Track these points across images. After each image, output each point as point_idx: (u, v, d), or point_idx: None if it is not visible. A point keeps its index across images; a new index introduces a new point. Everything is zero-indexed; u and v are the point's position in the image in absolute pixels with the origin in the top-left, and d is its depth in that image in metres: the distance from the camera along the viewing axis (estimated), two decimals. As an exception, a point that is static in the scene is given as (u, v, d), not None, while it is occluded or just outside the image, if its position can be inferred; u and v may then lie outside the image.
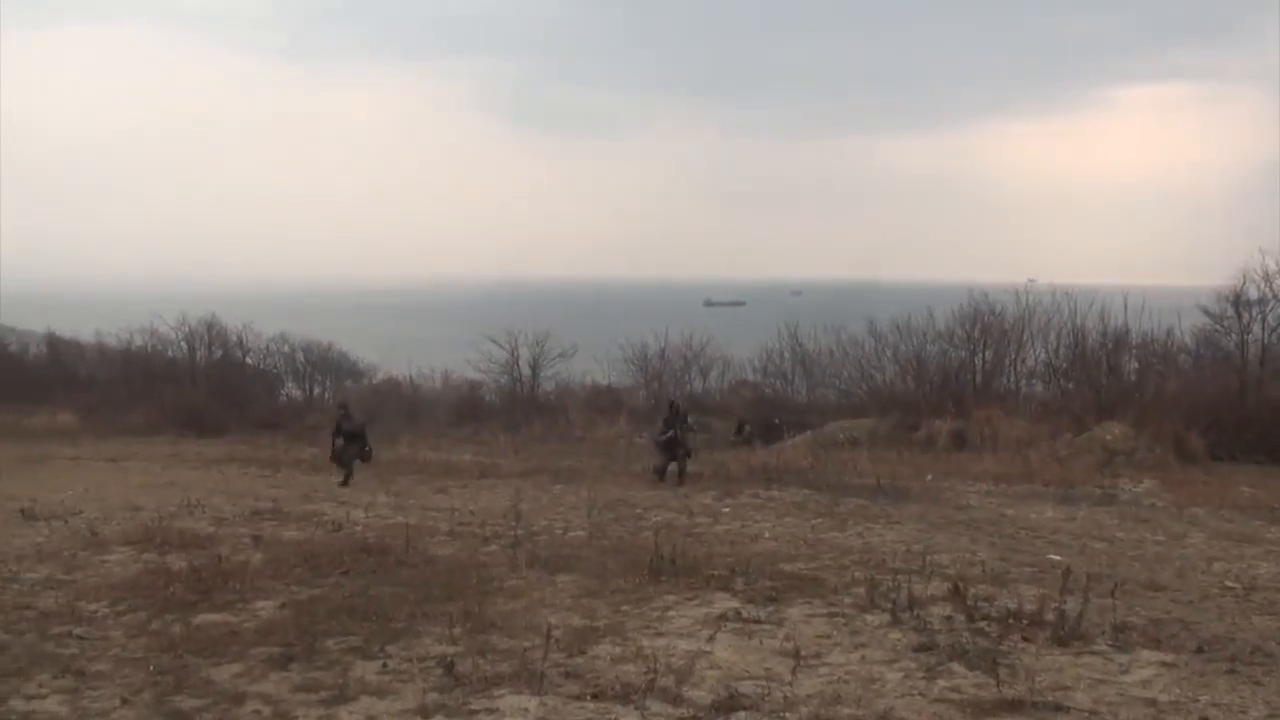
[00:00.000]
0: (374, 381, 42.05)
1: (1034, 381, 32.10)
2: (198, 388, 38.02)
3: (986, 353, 32.03)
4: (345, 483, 18.86)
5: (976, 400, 28.28)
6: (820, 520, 14.80)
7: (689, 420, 19.59)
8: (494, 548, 12.50)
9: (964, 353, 32.11)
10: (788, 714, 6.63)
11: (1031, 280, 31.88)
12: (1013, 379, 32.33)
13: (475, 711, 6.77)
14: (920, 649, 8.01)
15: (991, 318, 32.02)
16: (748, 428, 28.86)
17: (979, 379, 31.53)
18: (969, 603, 9.13)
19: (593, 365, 38.49)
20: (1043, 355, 31.70)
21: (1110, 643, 8.14)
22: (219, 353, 43.43)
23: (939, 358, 32.31)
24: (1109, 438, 22.94)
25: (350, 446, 19.51)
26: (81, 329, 48.29)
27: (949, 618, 8.88)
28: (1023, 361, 32.14)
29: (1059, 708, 6.69)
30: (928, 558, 11.41)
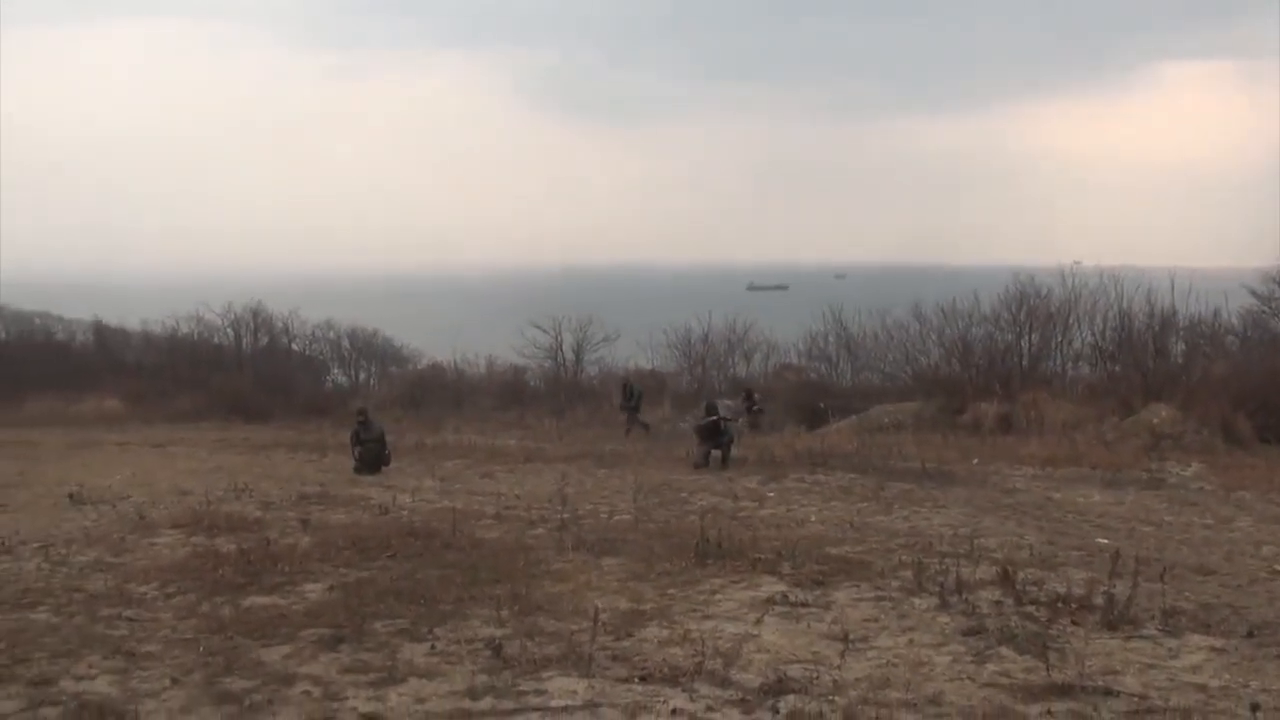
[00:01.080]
0: (418, 367, 42.21)
1: (1080, 364, 31.82)
2: (244, 374, 38.36)
3: (1032, 335, 31.77)
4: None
5: (1022, 383, 28.07)
6: (866, 504, 14.73)
7: (755, 398, 19.69)
8: (540, 531, 12.52)
9: (1010, 335, 31.84)
10: (837, 697, 6.59)
11: (1077, 262, 31.61)
12: (1059, 362, 32.09)
13: (524, 693, 6.77)
14: (969, 633, 7.95)
15: (1037, 300, 31.75)
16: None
17: (1025, 362, 31.28)
18: (1017, 587, 9.05)
19: (636, 350, 38.51)
20: (1089, 338, 31.43)
21: (1160, 627, 8.05)
22: (265, 339, 43.88)
23: (985, 341, 32.04)
24: (1156, 421, 22.71)
25: (370, 453, 19.00)
26: (126, 317, 48.78)
27: (997, 602, 8.81)
28: (1069, 344, 31.89)
29: (1109, 692, 6.62)
30: (975, 541, 11.32)
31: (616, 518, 13.56)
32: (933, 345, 33.12)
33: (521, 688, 6.87)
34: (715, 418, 18.80)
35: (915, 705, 6.48)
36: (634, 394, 26.90)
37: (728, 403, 23.28)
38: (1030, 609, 8.57)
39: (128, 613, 9.07)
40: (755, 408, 26.24)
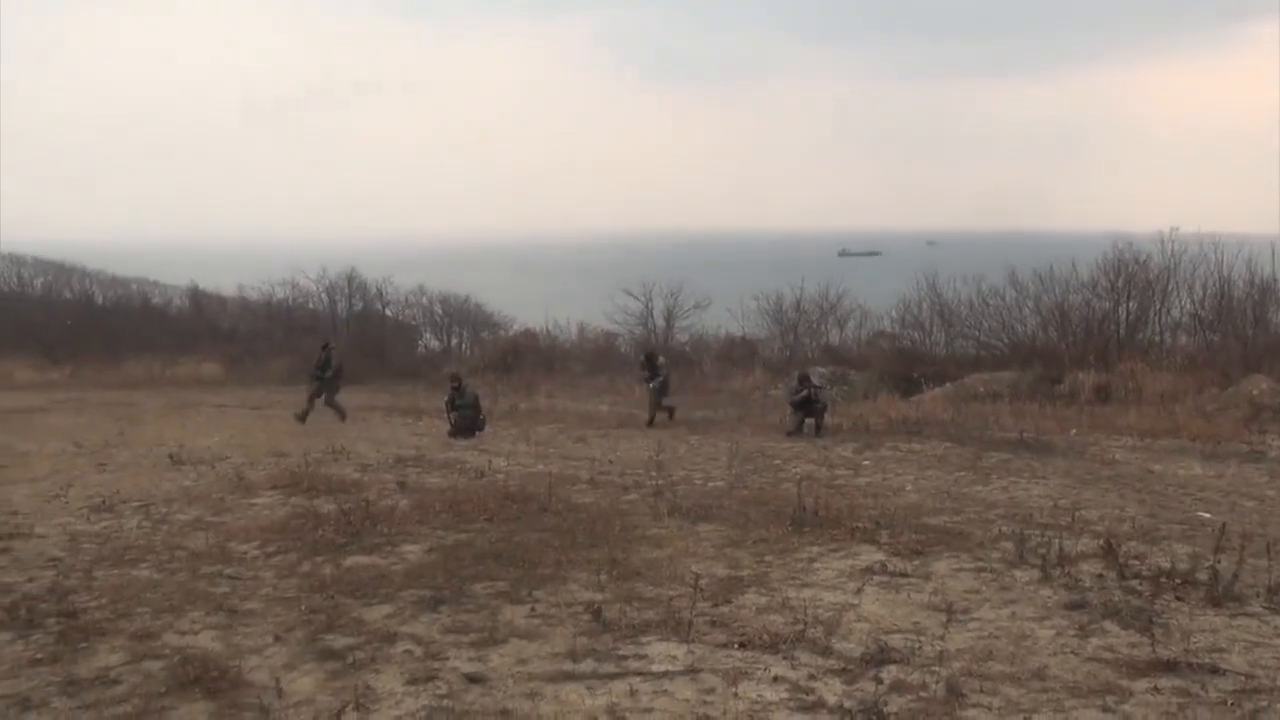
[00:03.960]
0: (510, 333, 42.50)
1: (1179, 333, 31.18)
2: (339, 339, 38.89)
3: (1130, 303, 31.19)
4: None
5: (1120, 352, 27.56)
6: (963, 474, 14.55)
7: (815, 381, 19.35)
8: (634, 496, 12.51)
9: (1107, 303, 31.28)
10: (939, 669, 6.49)
11: (1175, 228, 30.88)
12: (1157, 331, 31.46)
13: (624, 657, 6.76)
14: (1072, 606, 7.78)
15: (1135, 267, 31.14)
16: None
17: (1122, 331, 30.72)
18: (1120, 560, 8.86)
19: (726, 317, 38.44)
20: (1187, 306, 30.80)
21: (1265, 604, 7.80)
22: (359, 305, 44.44)
23: (1082, 309, 31.51)
24: (1256, 392, 22.16)
25: (465, 418, 19.16)
26: (223, 282, 49.68)
27: (1100, 575, 8.61)
28: (1167, 312, 31.28)
29: (1214, 670, 6.43)
30: (1076, 513, 11.13)
31: (711, 484, 13.52)
32: (1029, 313, 32.65)
33: (622, 651, 6.86)
34: (807, 390, 18.67)
35: (1019, 679, 6.36)
36: (658, 369, 21.89)
37: (821, 370, 23.13)
38: (1133, 583, 8.36)
39: (229, 571, 9.21)
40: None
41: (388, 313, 45.08)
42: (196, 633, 7.48)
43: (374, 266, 47.74)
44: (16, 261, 50.92)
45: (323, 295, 44.86)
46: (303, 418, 20.89)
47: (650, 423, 20.94)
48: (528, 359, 36.43)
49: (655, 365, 21.96)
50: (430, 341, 44.82)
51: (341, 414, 21.15)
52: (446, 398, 19.39)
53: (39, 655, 7.05)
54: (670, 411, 21.45)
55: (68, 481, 14.15)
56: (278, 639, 7.26)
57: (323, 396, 21.36)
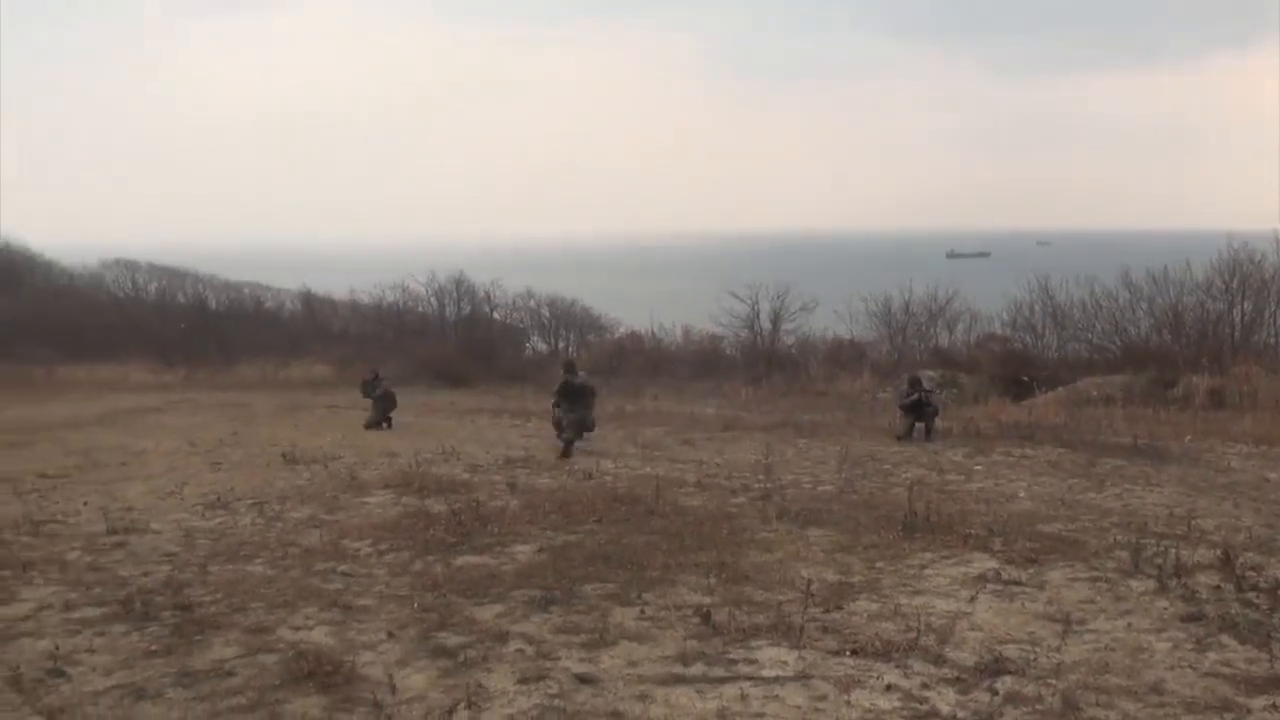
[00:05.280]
0: (616, 336, 42.66)
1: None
2: (447, 341, 39.36)
3: (1245, 305, 30.37)
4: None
5: (1234, 355, 26.85)
6: (1077, 480, 14.24)
7: (925, 384, 19.02)
8: (742, 500, 12.45)
9: (1222, 305, 30.51)
10: (1055, 681, 6.38)
11: (1289, 227, 30.05)
12: (1272, 333, 30.61)
13: (734, 661, 6.74)
14: (1188, 619, 7.59)
15: (1250, 267, 30.32)
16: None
17: (1237, 333, 29.93)
18: (1237, 572, 8.62)
19: (833, 319, 38.16)
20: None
21: (1388, 623, 7.55)
22: (467, 308, 44.97)
23: (1196, 310, 30.76)
24: (1376, 399, 21.42)
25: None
26: (334, 286, 50.57)
27: (1217, 587, 8.39)
28: (1284, 314, 30.44)
29: (1335, 689, 6.25)
30: (1191, 522, 10.85)
31: (820, 488, 13.41)
32: (1142, 315, 31.96)
33: (732, 656, 6.84)
34: (918, 394, 18.42)
35: (1136, 693, 6.22)
36: (917, 384, 18.90)
37: (930, 374, 22.85)
38: (1250, 595, 8.14)
39: (342, 568, 9.37)
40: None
41: (495, 316, 45.54)
42: (310, 628, 7.62)
43: (480, 269, 48.30)
44: (131, 267, 52.36)
45: (432, 299, 45.48)
46: (376, 426, 20.94)
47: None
48: (633, 361, 36.54)
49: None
50: (537, 344, 45.17)
51: (372, 425, 20.98)
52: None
53: (154, 647, 7.24)
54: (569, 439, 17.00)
55: (183, 479, 14.51)
56: (391, 636, 7.36)
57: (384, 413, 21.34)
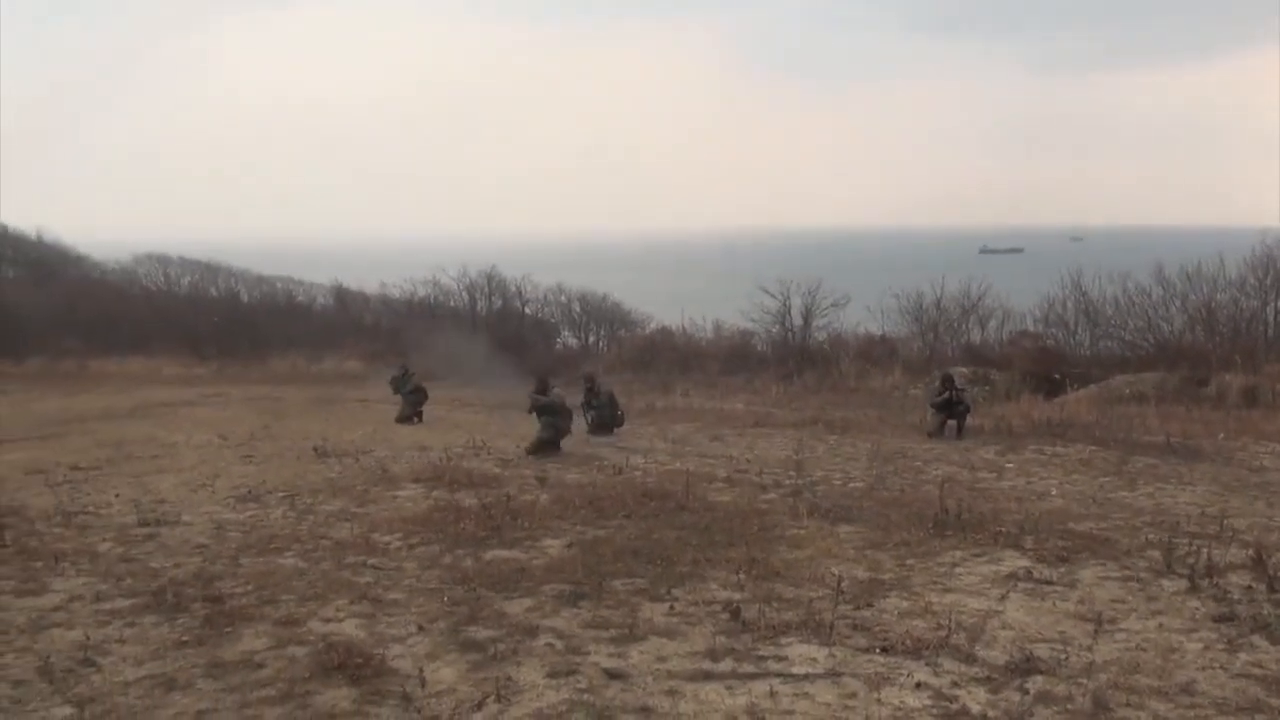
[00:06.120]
0: (647, 331, 42.58)
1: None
2: (479, 336, 39.36)
3: (1279, 302, 30.05)
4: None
5: (1268, 354, 26.60)
6: (1108, 478, 14.16)
7: (957, 383, 18.93)
8: (772, 496, 12.44)
9: (1255, 302, 30.19)
10: (1086, 680, 6.33)
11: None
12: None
13: (764, 658, 6.73)
14: (1220, 619, 7.53)
15: (1285, 263, 30.00)
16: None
17: (1271, 331, 29.64)
18: (1270, 572, 8.54)
19: (865, 315, 37.95)
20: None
21: None
22: (499, 303, 45.00)
23: (1229, 307, 30.45)
24: None
25: (602, 416, 18.37)
26: (365, 280, 50.68)
27: (1249, 587, 8.32)
28: (1319, 313, 30.10)
29: (1367, 691, 6.19)
30: (1224, 522, 10.75)
31: (850, 485, 13.39)
32: (1175, 312, 31.65)
33: (761, 652, 6.83)
34: (950, 392, 18.35)
35: (1167, 693, 6.17)
36: (597, 395, 18.90)
37: (962, 370, 22.74)
38: (1282, 597, 8.09)
39: (372, 561, 9.41)
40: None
41: (527, 310, 45.52)
42: (340, 620, 7.66)
43: (512, 264, 48.30)
44: (163, 261, 52.54)
45: (463, 293, 45.49)
46: (407, 421, 21.10)
47: None
48: (664, 357, 36.45)
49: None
50: (568, 339, 45.12)
51: (404, 419, 21.18)
52: (583, 401, 19.01)
53: (184, 638, 7.29)
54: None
55: (214, 472, 14.60)
56: (421, 629, 7.39)
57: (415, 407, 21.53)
